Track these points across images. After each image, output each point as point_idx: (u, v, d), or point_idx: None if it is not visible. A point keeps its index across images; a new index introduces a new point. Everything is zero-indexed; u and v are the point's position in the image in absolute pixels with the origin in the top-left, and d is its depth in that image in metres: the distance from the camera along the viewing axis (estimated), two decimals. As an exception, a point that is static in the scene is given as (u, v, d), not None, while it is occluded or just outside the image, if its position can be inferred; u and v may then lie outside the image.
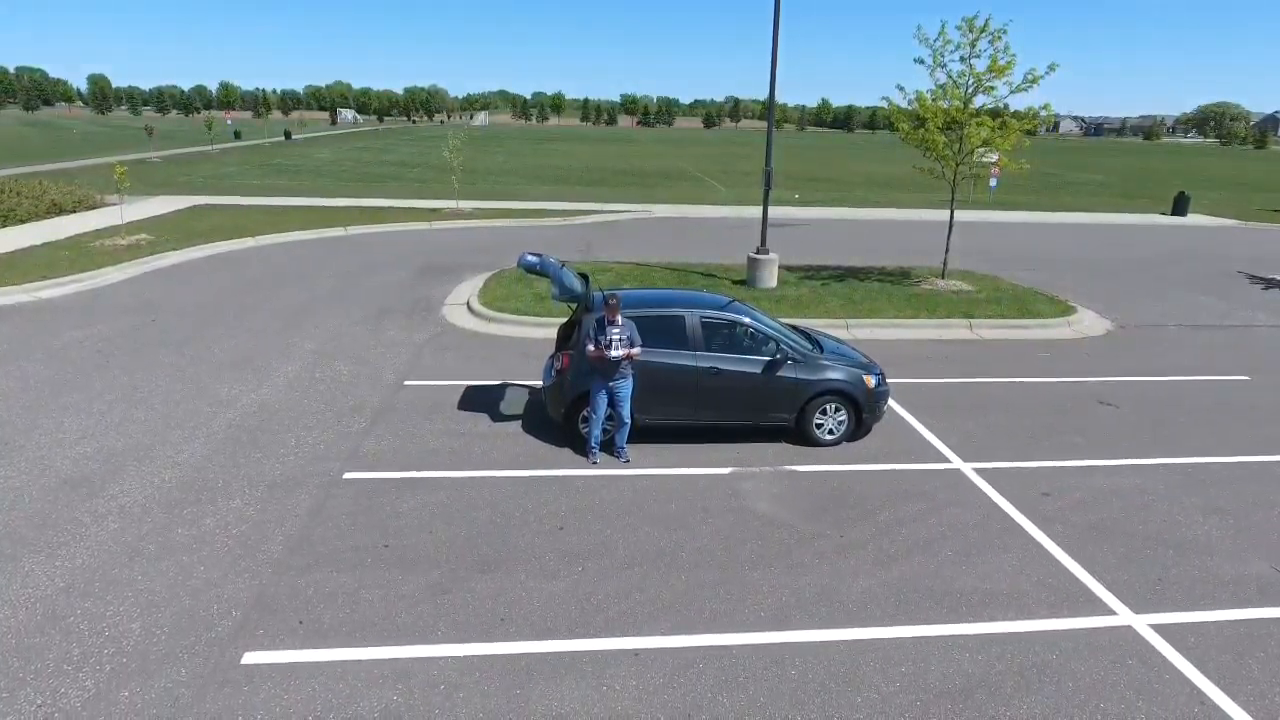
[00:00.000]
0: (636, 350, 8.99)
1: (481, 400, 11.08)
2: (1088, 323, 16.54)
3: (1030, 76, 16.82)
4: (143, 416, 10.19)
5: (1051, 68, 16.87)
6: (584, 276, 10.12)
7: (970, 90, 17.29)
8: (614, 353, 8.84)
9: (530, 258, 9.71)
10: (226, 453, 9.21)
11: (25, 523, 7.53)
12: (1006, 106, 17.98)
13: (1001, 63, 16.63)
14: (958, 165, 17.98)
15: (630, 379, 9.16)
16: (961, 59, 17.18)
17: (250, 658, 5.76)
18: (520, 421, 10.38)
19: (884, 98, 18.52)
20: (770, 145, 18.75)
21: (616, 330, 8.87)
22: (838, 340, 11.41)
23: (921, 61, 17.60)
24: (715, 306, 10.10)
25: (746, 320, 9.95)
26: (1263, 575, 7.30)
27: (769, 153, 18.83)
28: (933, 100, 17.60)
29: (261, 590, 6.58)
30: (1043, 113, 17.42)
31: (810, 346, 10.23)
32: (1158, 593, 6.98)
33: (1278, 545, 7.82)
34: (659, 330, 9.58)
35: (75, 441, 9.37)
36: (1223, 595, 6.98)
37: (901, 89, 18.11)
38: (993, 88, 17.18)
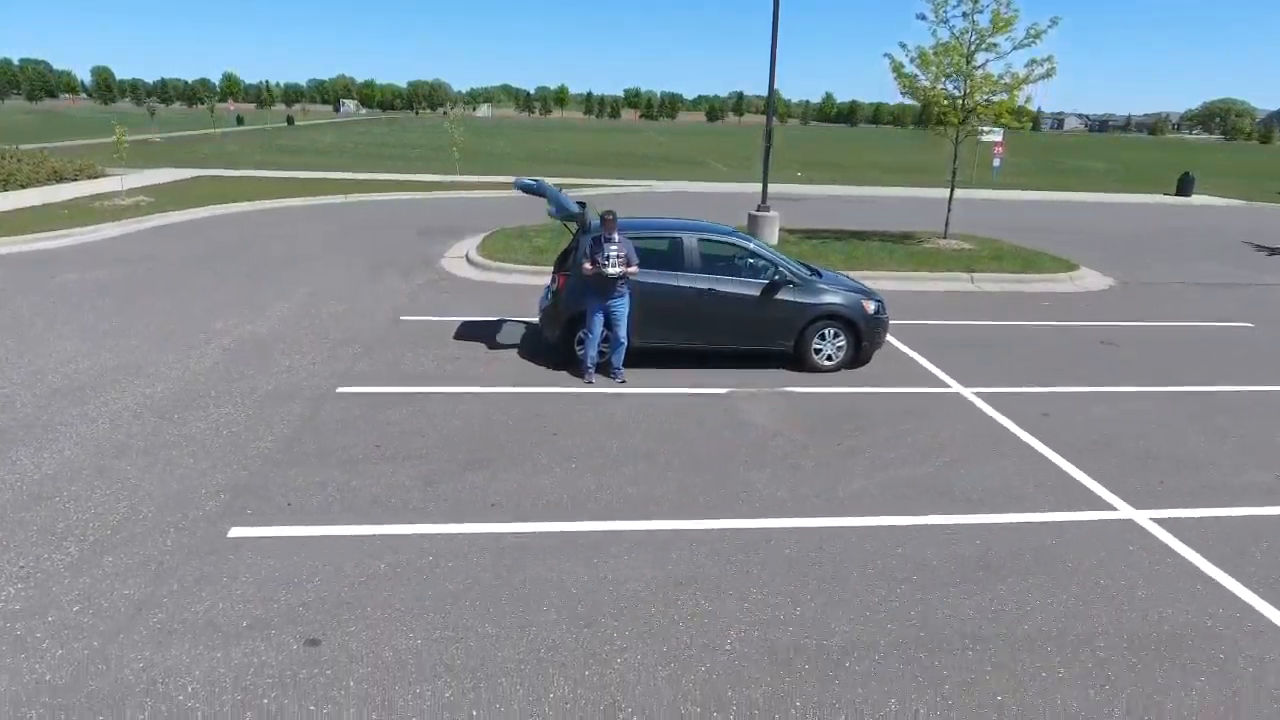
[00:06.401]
0: (634, 268, 8.88)
1: (478, 332, 10.99)
2: (1090, 279, 16.41)
3: (1033, 31, 16.69)
4: (135, 343, 10.11)
5: (1054, 21, 16.73)
6: (581, 203, 10.01)
7: (973, 46, 17.16)
8: (611, 269, 8.72)
9: (527, 180, 9.65)
10: (219, 371, 9.13)
11: (15, 424, 7.45)
12: (1013, 74, 17.72)
13: (1005, 15, 16.51)
14: (961, 122, 17.83)
15: (627, 298, 9.05)
16: (964, 14, 17.08)
17: (236, 532, 5.68)
18: (517, 350, 10.30)
19: (886, 54, 18.31)
20: (771, 110, 18.66)
21: (614, 247, 8.76)
22: (837, 272, 11.30)
23: (923, 17, 17.51)
24: (714, 230, 10.01)
25: (747, 244, 9.85)
26: (1265, 482, 7.20)
27: (769, 118, 18.74)
28: (934, 55, 17.44)
29: (250, 479, 6.50)
30: (1045, 65, 17.14)
31: (809, 273, 10.13)
32: (1159, 494, 6.88)
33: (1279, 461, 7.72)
34: (657, 253, 9.49)
35: (68, 360, 9.29)
36: (1225, 496, 6.88)
37: (904, 45, 17.98)
38: (995, 44, 17.07)
